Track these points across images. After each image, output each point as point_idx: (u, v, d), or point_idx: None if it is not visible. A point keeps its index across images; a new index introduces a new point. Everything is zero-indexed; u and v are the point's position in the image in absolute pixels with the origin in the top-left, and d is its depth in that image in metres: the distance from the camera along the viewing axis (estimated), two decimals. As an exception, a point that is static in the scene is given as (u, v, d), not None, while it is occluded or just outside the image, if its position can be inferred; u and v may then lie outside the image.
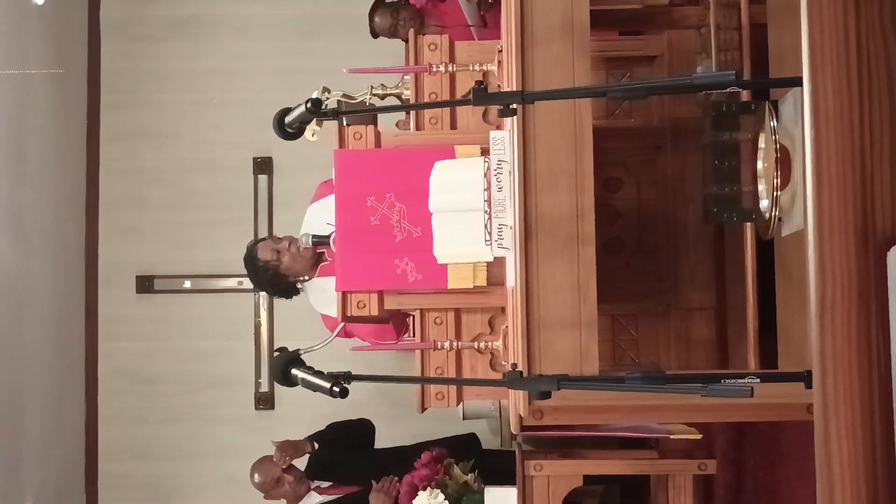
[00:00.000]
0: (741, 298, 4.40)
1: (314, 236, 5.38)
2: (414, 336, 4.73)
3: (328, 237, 5.13)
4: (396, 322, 5.68)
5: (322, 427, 6.75)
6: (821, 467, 2.40)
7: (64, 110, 7.87)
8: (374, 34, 7.26)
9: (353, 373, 3.39)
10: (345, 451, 6.61)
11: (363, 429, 6.81)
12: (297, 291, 5.95)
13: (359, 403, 7.32)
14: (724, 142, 4.09)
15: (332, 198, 4.79)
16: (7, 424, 6.80)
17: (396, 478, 6.14)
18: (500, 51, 4.28)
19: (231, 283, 7.98)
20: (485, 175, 4.07)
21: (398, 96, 5.02)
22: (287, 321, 7.91)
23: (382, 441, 6.83)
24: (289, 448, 6.43)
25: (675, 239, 4.91)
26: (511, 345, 3.78)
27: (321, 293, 5.75)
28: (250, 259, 5.86)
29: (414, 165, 4.35)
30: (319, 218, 5.70)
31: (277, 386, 7.18)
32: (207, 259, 8.06)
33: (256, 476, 6.26)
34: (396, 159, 4.44)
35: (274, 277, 5.84)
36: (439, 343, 4.43)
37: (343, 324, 5.03)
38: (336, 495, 6.39)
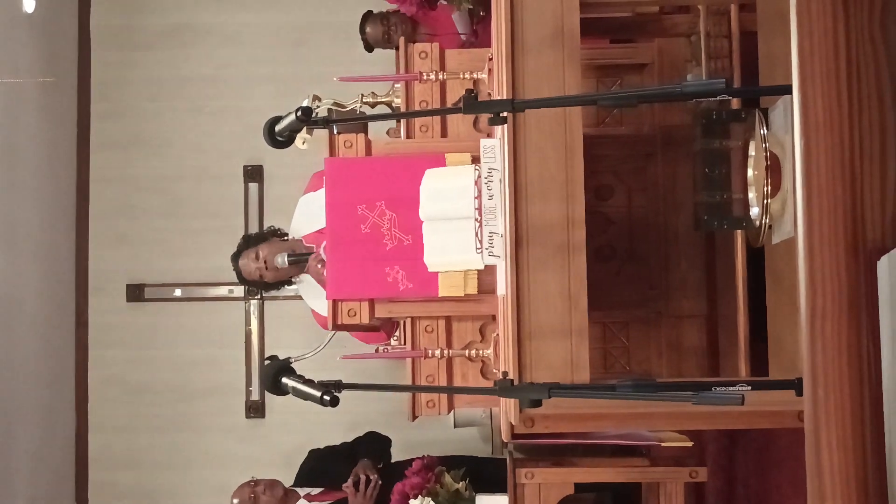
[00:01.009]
0: (732, 306, 4.41)
1: (290, 255, 5.40)
2: (404, 343, 4.73)
3: (305, 255, 5.15)
4: (385, 324, 5.68)
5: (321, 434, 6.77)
6: (812, 477, 2.39)
7: (54, 119, 7.87)
8: (369, 48, 7.25)
9: (344, 381, 3.39)
10: (334, 459, 6.60)
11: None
12: (290, 283, 5.99)
13: (349, 412, 7.31)
14: (714, 149, 4.09)
15: (323, 191, 4.78)
16: (-3, 433, 6.79)
17: (375, 475, 6.15)
18: (491, 59, 4.28)
19: (222, 291, 7.97)
20: (475, 183, 4.07)
21: (389, 104, 5.02)
22: (278, 330, 7.92)
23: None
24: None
25: (665, 246, 4.92)
26: (502, 353, 3.78)
27: (311, 288, 5.77)
28: (237, 272, 5.90)
29: (404, 173, 4.35)
30: (310, 210, 5.71)
31: (268, 394, 7.15)
32: (198, 267, 8.06)
33: (234, 500, 6.28)
34: (387, 167, 4.44)
35: (264, 287, 5.92)
36: (430, 351, 4.42)
37: (333, 334, 5.03)
38: (327, 501, 6.38)
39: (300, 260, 5.40)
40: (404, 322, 4.70)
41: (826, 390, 2.38)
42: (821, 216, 2.41)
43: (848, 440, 2.38)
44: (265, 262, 5.72)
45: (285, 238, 5.88)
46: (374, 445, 6.62)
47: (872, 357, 2.38)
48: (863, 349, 2.39)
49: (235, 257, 5.89)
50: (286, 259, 5.42)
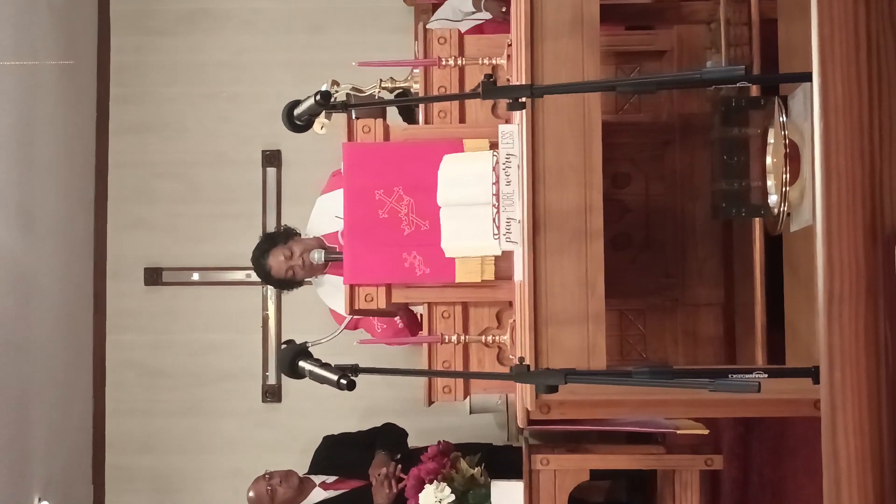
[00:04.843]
0: (749, 294, 4.40)
1: (327, 252, 5.39)
2: (421, 330, 4.73)
3: (341, 255, 5.14)
4: (411, 324, 5.68)
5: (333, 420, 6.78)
6: (827, 461, 2.40)
7: (73, 103, 7.88)
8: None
9: (361, 365, 3.40)
10: (349, 446, 6.62)
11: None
12: (302, 284, 5.97)
13: (365, 397, 7.33)
14: (732, 137, 4.09)
15: (342, 191, 4.78)
16: (15, 417, 6.81)
17: (394, 465, 6.16)
18: (510, 45, 4.28)
19: (239, 275, 7.98)
20: (493, 169, 4.08)
21: (407, 90, 5.01)
22: (295, 314, 7.93)
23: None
24: (379, 467, 6.37)
25: (683, 234, 4.92)
26: (518, 339, 3.78)
27: (331, 288, 5.76)
28: (263, 272, 5.84)
29: (422, 159, 4.35)
30: (329, 211, 5.71)
31: (285, 379, 7.18)
32: (216, 252, 8.07)
33: (251, 493, 6.31)
34: (405, 153, 4.44)
35: (286, 285, 5.90)
36: (446, 337, 4.43)
37: (350, 317, 5.03)
38: (342, 490, 6.40)
39: (335, 259, 5.39)
40: (421, 314, 4.70)
41: (843, 374, 2.39)
42: (839, 200, 2.41)
43: (864, 424, 2.38)
44: (303, 259, 5.68)
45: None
46: (390, 436, 6.63)
47: (890, 341, 2.38)
48: (880, 333, 2.39)
49: (263, 255, 5.81)
50: (323, 255, 5.42)
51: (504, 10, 6.26)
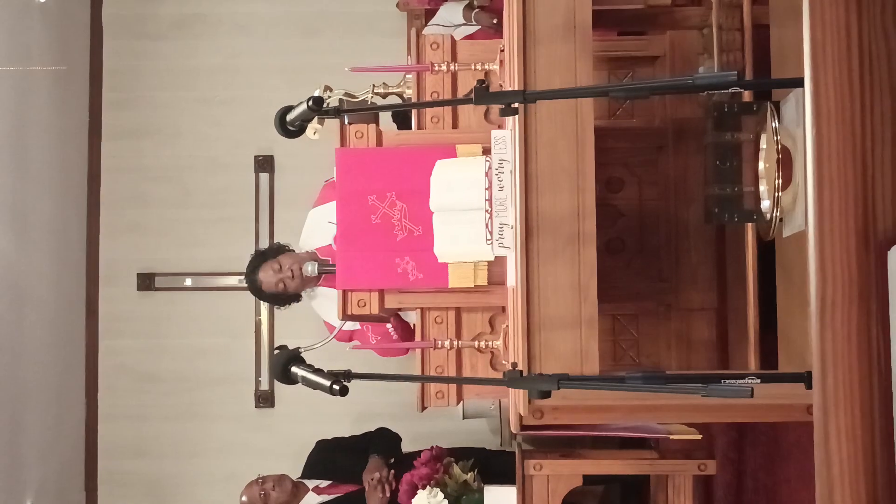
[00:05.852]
0: (742, 299, 4.40)
1: (320, 264, 5.38)
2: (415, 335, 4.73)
3: (334, 267, 5.13)
4: (404, 335, 5.68)
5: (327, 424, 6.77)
6: (820, 467, 2.40)
7: (66, 107, 7.88)
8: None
9: (353, 371, 3.39)
10: (343, 451, 6.61)
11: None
12: (298, 299, 5.96)
13: (358, 403, 7.33)
14: (725, 142, 4.09)
15: (334, 204, 4.79)
16: (7, 422, 6.80)
17: (388, 469, 6.16)
18: (502, 50, 4.28)
19: (232, 280, 7.97)
20: (486, 174, 4.07)
21: (400, 95, 5.01)
22: (287, 320, 7.90)
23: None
24: (373, 471, 6.36)
25: (676, 239, 4.92)
26: (511, 344, 3.78)
27: (325, 300, 5.75)
28: (255, 288, 5.84)
29: (415, 164, 4.35)
30: (321, 223, 5.70)
31: (277, 384, 7.17)
32: (208, 257, 8.06)
33: (243, 497, 6.31)
34: (398, 158, 4.44)
35: (279, 300, 5.89)
36: (439, 342, 4.42)
37: (343, 323, 5.03)
38: (335, 494, 6.39)
39: (329, 271, 5.38)
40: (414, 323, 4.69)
41: (835, 380, 2.39)
42: (832, 205, 2.42)
43: (857, 430, 2.38)
44: (292, 272, 5.67)
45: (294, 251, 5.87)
46: (383, 441, 6.62)
47: (882, 347, 2.38)
48: (872, 339, 2.39)
49: (253, 271, 5.81)
50: (316, 268, 5.41)
51: (495, 20, 6.27)
